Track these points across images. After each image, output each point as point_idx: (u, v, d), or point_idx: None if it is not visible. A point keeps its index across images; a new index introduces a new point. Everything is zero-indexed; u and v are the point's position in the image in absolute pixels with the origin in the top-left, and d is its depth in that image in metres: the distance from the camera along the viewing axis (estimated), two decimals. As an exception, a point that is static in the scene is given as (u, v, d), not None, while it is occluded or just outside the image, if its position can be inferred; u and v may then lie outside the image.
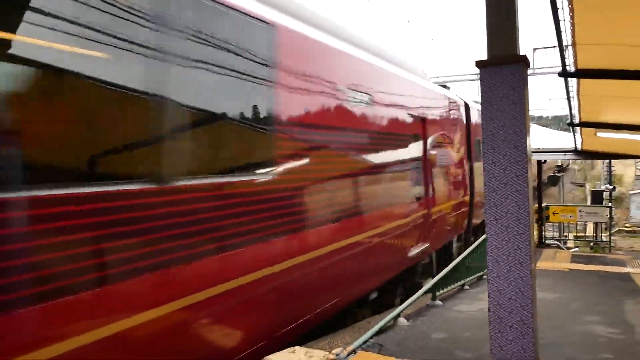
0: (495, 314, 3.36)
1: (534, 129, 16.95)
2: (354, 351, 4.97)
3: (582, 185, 36.71)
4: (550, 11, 4.72)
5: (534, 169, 16.00)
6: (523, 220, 3.27)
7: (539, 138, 14.90)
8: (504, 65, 3.40)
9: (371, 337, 5.38)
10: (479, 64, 3.50)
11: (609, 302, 7.34)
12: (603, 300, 7.46)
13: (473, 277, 8.77)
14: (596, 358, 5.00)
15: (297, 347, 5.05)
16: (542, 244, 13.65)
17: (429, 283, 7.25)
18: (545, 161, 15.43)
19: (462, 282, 8.45)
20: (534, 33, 36.84)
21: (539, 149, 13.40)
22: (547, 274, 9.62)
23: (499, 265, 3.33)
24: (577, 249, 13.83)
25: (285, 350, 4.94)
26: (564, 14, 4.72)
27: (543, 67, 20.34)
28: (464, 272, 8.59)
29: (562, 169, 28.56)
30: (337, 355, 4.85)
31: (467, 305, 7.08)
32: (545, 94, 74.35)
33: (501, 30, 3.47)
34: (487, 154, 3.40)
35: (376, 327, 5.54)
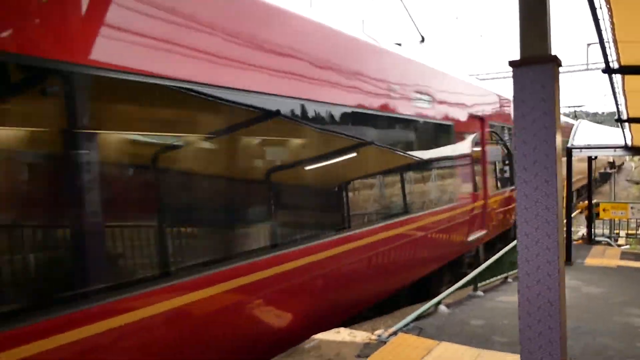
0: (524, 296, 3.61)
1: (585, 125, 16.64)
2: (394, 333, 5.29)
3: (638, 183, 35.47)
4: (589, 10, 4.87)
5: (582, 165, 15.76)
6: (551, 209, 3.50)
7: (589, 134, 14.64)
8: (535, 65, 3.61)
9: (412, 321, 5.69)
10: (512, 63, 3.73)
11: (655, 297, 7.33)
12: (648, 295, 7.46)
13: (517, 270, 8.86)
14: (632, 346, 5.13)
15: (341, 328, 5.42)
16: (591, 240, 13.49)
17: (471, 274, 7.46)
18: (596, 157, 15.16)
19: (506, 274, 8.60)
20: (588, 28, 35.73)
21: (588, 145, 13.21)
22: (594, 270, 9.59)
23: (528, 251, 3.59)
24: (627, 246, 13.59)
25: (330, 330, 5.32)
26: (602, 12, 4.85)
27: (597, 63, 19.77)
28: (507, 265, 8.73)
29: (613, 165, 27.69)
30: (379, 336, 5.19)
31: (508, 296, 7.24)
32: (600, 89, 71.56)
33: (533, 32, 3.69)
34: (519, 147, 3.64)
35: (417, 312, 5.84)
